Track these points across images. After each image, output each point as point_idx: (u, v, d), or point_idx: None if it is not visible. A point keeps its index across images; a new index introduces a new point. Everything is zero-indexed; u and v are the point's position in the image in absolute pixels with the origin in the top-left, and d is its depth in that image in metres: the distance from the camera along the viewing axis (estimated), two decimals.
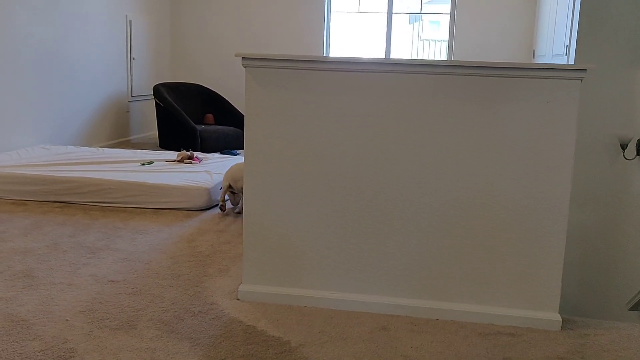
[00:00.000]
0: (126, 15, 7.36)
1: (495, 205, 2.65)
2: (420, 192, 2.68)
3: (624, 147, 3.88)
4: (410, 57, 8.81)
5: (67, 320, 2.57)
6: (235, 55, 2.67)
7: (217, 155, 5.96)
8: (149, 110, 8.01)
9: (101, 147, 6.60)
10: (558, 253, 2.65)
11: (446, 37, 8.07)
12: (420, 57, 8.89)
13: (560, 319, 2.67)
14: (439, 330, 2.61)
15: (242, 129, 7.25)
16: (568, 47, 5.33)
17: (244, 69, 2.70)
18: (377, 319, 2.69)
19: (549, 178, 2.60)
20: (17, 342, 2.36)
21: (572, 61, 4.46)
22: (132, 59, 7.54)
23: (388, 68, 2.63)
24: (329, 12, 8.20)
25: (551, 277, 2.67)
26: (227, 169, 4.61)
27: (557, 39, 6.15)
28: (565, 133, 2.57)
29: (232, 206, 4.55)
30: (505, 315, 2.69)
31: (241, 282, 2.90)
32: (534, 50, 7.55)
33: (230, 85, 8.16)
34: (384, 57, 8.14)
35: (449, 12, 7.94)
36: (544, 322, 2.67)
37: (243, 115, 7.45)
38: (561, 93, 2.54)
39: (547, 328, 2.66)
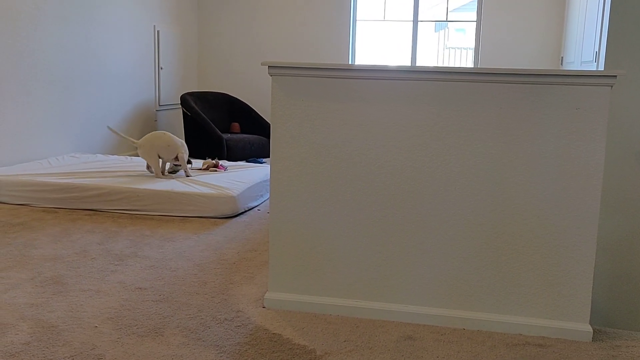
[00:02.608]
0: (154, 26, 7.46)
1: (523, 214, 2.61)
2: (447, 200, 2.66)
3: None
4: (436, 65, 8.76)
5: (96, 326, 2.60)
6: (262, 64, 2.69)
7: (242, 163, 6.00)
8: (176, 119, 8.10)
9: (129, 155, 6.68)
10: (588, 262, 2.60)
11: (472, 44, 8.02)
12: (446, 65, 8.85)
13: (591, 330, 2.62)
14: (466, 340, 2.58)
15: (268, 138, 7.31)
16: (597, 53, 5.26)
17: (270, 77, 2.71)
18: (403, 328, 2.67)
19: (579, 186, 2.56)
20: (47, 347, 2.39)
21: (601, 68, 4.40)
22: (159, 68, 7.63)
23: (414, 76, 2.62)
24: (355, 20, 8.21)
25: (581, 287, 2.62)
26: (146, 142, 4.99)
27: (586, 45, 6.07)
28: (594, 140, 2.53)
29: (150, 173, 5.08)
30: (534, 325, 2.65)
31: (267, 290, 2.91)
32: (562, 57, 7.46)
33: (257, 94, 8.21)
34: (409, 65, 8.11)
35: (475, 20, 7.89)
36: (574, 332, 2.62)
37: (269, 124, 7.43)
38: (590, 100, 2.51)
39: (578, 339, 2.62)
